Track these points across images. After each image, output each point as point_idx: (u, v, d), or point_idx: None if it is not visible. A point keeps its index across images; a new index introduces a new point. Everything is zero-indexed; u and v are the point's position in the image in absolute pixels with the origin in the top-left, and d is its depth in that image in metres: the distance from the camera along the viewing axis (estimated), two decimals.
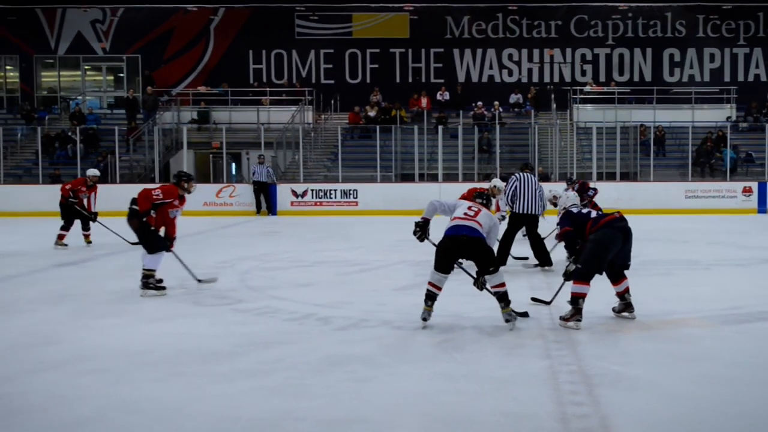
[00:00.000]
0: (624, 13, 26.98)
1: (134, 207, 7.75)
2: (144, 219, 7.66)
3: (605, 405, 4.19)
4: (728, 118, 23.77)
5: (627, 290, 6.40)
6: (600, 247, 6.11)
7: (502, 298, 6.04)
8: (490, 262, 6.03)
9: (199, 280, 8.28)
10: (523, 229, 9.91)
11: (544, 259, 9.40)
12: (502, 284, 6.03)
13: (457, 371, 4.88)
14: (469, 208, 6.30)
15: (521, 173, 9.67)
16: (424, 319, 6.09)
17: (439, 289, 6.08)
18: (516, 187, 9.46)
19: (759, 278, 8.92)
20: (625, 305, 6.41)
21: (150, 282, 7.73)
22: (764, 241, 12.82)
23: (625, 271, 6.39)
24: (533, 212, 9.45)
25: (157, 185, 8.27)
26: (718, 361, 5.13)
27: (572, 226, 6.43)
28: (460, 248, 6.09)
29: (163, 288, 7.80)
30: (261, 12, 27.08)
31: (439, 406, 4.21)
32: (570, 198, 6.97)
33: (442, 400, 4.31)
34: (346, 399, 4.35)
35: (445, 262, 6.07)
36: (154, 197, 7.75)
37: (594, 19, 27.08)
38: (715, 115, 23.72)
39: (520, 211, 9.43)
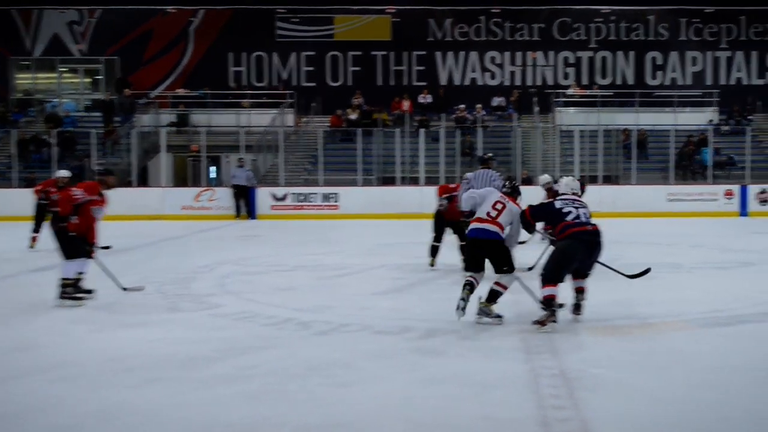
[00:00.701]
0: (606, 17, 27.15)
1: (56, 209, 7.56)
2: (63, 224, 7.34)
3: (586, 408, 4.20)
4: (710, 121, 23.98)
5: (581, 291, 6.46)
6: (563, 257, 6.22)
7: (493, 295, 6.28)
8: (505, 263, 6.34)
9: (125, 288, 7.83)
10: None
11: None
12: (505, 287, 6.30)
13: (438, 375, 4.88)
14: (494, 205, 6.48)
15: (476, 171, 9.38)
16: (462, 309, 6.21)
17: (478, 282, 6.36)
18: (469, 188, 9.16)
19: (740, 281, 8.98)
20: (574, 306, 6.47)
21: (67, 291, 7.37)
22: (745, 244, 12.93)
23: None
24: None
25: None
26: (701, 364, 5.17)
27: (546, 217, 6.57)
28: (483, 249, 6.37)
29: (80, 298, 7.43)
30: (241, 14, 27.01)
31: (420, 411, 4.21)
32: (567, 184, 6.82)
33: (423, 404, 4.31)
34: (325, 404, 4.33)
35: (473, 262, 6.43)
36: (75, 197, 7.41)
37: (577, 22, 27.23)
38: (698, 119, 23.92)
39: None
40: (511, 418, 4.06)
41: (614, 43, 27.27)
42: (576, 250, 6.22)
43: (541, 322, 6.06)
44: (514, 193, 6.76)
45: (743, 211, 19.64)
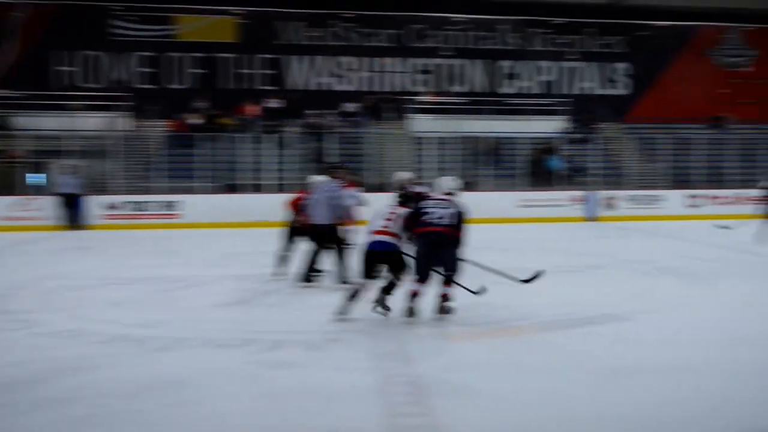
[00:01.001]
0: (460, 25, 28.00)
1: None
2: None
3: (439, 415, 4.24)
4: (560, 129, 25.17)
5: (444, 297, 6.79)
6: (416, 257, 6.81)
7: (388, 288, 6.80)
8: (399, 273, 6.85)
9: None
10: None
11: (305, 275, 9.11)
12: (399, 284, 6.82)
13: (283, 389, 4.80)
14: (386, 217, 6.95)
15: (320, 179, 9.27)
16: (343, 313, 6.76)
17: (368, 289, 6.83)
18: (314, 197, 9.09)
19: (590, 284, 9.48)
20: (437, 309, 6.85)
21: None
22: (592, 248, 13.66)
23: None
24: (318, 222, 8.93)
25: None
26: (554, 367, 5.36)
27: (412, 220, 6.89)
28: (382, 260, 6.80)
29: None
30: (70, 9, 25.82)
31: (262, 427, 4.11)
32: (440, 185, 7.29)
33: (264, 421, 4.22)
34: (159, 426, 4.16)
35: (369, 273, 6.78)
36: None
37: (430, 29, 27.90)
38: (548, 127, 25.03)
39: (310, 222, 9.05)
40: (358, 428, 4.03)
41: (467, 51, 28.15)
42: (421, 249, 6.74)
43: (406, 316, 6.65)
44: (407, 201, 7.24)
45: (591, 216, 20.73)
